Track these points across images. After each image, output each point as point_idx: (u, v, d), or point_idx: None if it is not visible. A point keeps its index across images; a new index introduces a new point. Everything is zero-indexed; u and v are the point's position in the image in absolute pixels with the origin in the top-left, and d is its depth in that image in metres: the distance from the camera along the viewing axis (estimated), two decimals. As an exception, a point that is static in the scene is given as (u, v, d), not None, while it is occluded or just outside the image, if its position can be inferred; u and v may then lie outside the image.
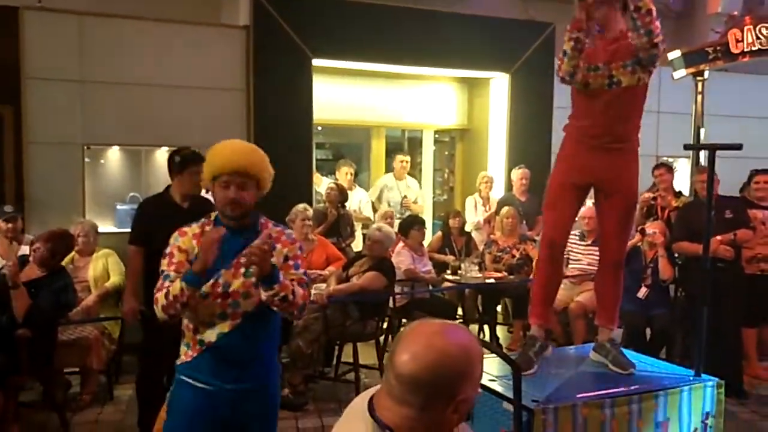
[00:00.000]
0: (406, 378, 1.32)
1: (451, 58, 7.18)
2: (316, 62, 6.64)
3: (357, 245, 6.56)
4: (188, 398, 2.47)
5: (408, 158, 7.53)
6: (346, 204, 6.53)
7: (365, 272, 5.04)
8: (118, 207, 6.22)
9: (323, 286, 5.15)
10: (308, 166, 6.70)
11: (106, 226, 6.00)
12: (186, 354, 2.49)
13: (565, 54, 2.90)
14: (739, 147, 2.87)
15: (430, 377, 1.30)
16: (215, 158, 2.44)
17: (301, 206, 5.57)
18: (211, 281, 2.39)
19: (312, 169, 6.82)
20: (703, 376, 2.93)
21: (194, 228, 2.49)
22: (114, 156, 6.46)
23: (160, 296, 2.37)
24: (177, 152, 3.99)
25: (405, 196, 7.32)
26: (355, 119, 7.94)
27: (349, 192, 6.71)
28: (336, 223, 6.25)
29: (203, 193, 3.78)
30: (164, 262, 2.45)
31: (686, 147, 3.27)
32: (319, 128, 8.55)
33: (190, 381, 2.47)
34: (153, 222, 3.78)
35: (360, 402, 1.45)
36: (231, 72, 6.47)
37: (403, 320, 5.67)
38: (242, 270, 2.41)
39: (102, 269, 5.12)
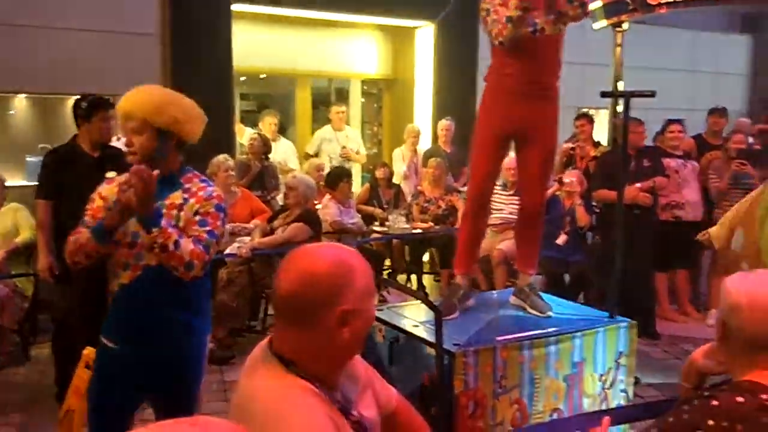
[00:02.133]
0: (280, 299, 1.37)
1: (374, 5, 7.06)
2: (236, 7, 6.38)
3: (282, 198, 6.45)
4: (104, 362, 2.39)
5: (344, 108, 7.40)
6: (269, 155, 6.38)
7: (290, 224, 4.97)
8: (28, 159, 5.89)
9: (247, 239, 5.06)
10: (229, 117, 6.50)
11: (15, 180, 5.67)
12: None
13: (509, 20, 2.76)
14: (652, 94, 2.93)
15: (300, 290, 1.34)
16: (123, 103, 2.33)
17: (221, 157, 5.40)
18: (122, 229, 2.27)
19: (233, 120, 6.62)
20: (617, 317, 3.05)
21: (122, 177, 2.33)
22: (21, 105, 6.07)
23: (70, 240, 2.29)
24: (83, 98, 3.81)
25: (344, 147, 7.21)
26: (279, 68, 7.73)
27: (273, 143, 6.56)
28: (260, 176, 6.12)
29: (114, 141, 3.61)
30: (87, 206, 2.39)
31: (603, 94, 3.31)
32: (243, 78, 8.29)
33: (106, 342, 2.39)
34: (61, 174, 3.60)
35: (262, 343, 1.45)
36: (144, 15, 6.13)
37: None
38: None
39: (11, 224, 4.84)
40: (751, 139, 6.25)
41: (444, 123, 7.07)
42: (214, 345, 4.63)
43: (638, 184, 5.28)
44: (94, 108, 3.70)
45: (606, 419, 1.87)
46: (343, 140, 7.23)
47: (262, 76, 8.68)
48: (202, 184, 2.41)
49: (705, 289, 6.17)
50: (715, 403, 1.64)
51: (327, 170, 6.45)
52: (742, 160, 5.73)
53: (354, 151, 7.22)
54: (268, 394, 1.34)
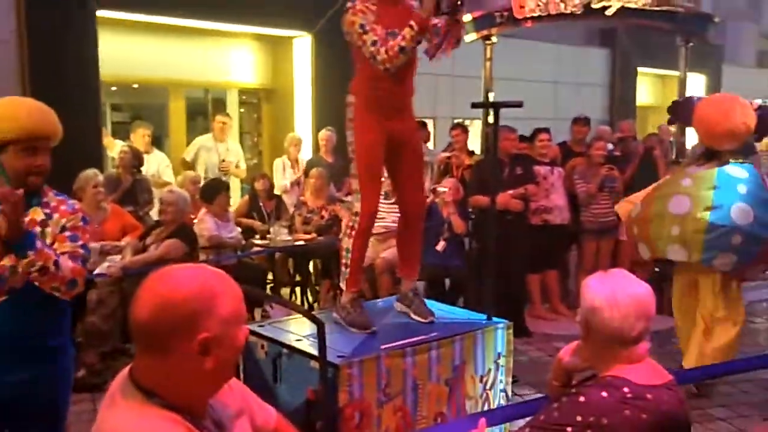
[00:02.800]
0: (135, 327, 1.27)
1: (251, 14, 6.95)
2: (102, 13, 6.06)
3: (156, 213, 6.18)
4: None
5: (228, 119, 7.16)
6: (142, 168, 6.10)
7: (164, 241, 4.76)
8: None
9: (118, 258, 4.80)
10: (97, 129, 6.15)
11: None
12: None
13: (403, 50, 2.78)
14: (519, 105, 3.07)
15: (155, 318, 1.24)
16: (8, 122, 2.17)
17: (89, 172, 5.09)
18: None
19: (101, 132, 6.27)
20: (494, 319, 3.15)
21: None
22: None
23: None
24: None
25: (223, 159, 6.99)
26: (152, 77, 7.42)
27: (146, 155, 6.28)
28: (131, 190, 5.82)
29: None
30: None
31: (473, 105, 3.45)
32: (114, 88, 7.89)
33: None
34: None
35: (123, 372, 1.37)
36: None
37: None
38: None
39: None
40: (611, 146, 6.71)
41: (324, 133, 7.07)
42: (84, 372, 4.34)
43: (510, 191, 5.53)
44: None
45: (482, 421, 1.92)
46: (223, 152, 7.03)
47: (134, 86, 8.30)
48: (60, 198, 2.35)
49: (574, 287, 6.53)
50: (581, 399, 1.73)
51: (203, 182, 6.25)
52: (610, 165, 6.16)
53: (234, 165, 7.04)
54: (127, 427, 1.25)
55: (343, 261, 3.12)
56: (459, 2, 2.83)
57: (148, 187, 6.06)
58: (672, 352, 4.80)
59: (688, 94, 6.98)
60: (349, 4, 2.88)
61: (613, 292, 1.78)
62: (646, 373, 1.77)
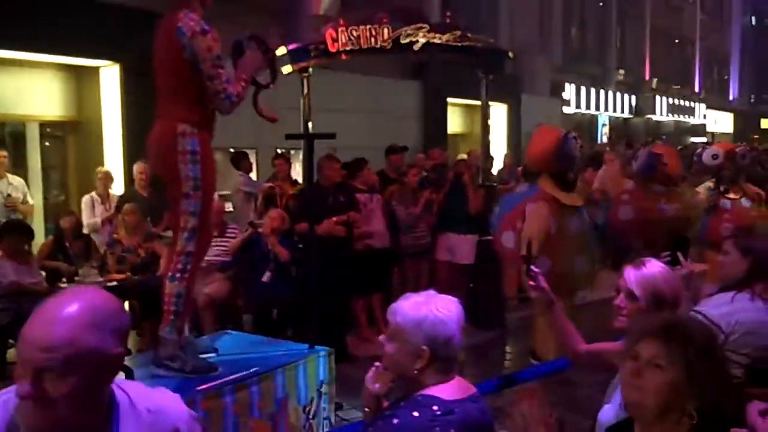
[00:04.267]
0: None
1: (53, 44, 6.50)
2: None
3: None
4: None
5: (4, 153, 6.57)
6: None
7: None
8: None
9: None
10: None
11: None
12: None
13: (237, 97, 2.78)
14: (332, 136, 3.16)
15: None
16: None
17: None
18: None
19: None
20: (316, 347, 3.17)
21: None
22: None
23: None
24: None
25: (8, 195, 6.36)
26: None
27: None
28: None
29: None
30: None
31: (288, 137, 3.46)
32: None
33: None
34: None
35: None
36: None
37: (11, 341, 4.95)
38: None
39: None
40: (424, 173, 7.08)
41: (140, 165, 6.71)
42: None
43: (334, 218, 5.62)
44: None
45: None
46: (5, 188, 6.43)
47: None
48: None
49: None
50: (395, 421, 1.78)
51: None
52: (432, 189, 6.50)
53: (20, 201, 6.46)
54: None
55: (172, 308, 2.78)
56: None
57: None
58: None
59: (491, 122, 7.57)
60: (197, 28, 2.67)
61: (412, 316, 1.86)
62: (452, 389, 1.86)
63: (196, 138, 2.76)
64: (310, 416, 3.04)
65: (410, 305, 1.88)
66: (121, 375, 2.53)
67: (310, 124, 6.66)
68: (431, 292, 1.96)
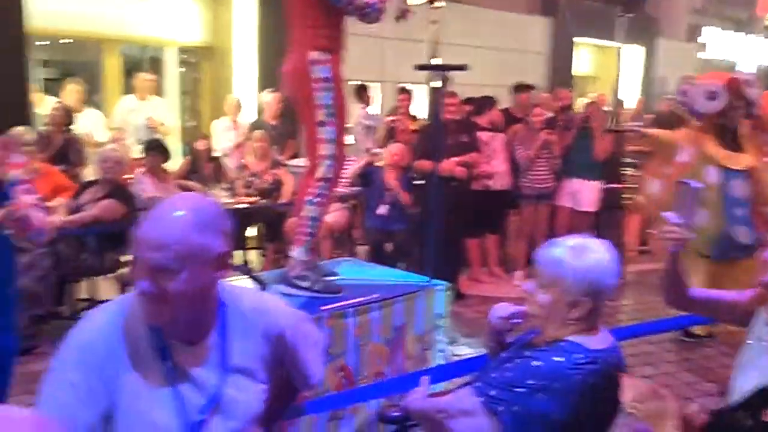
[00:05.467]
0: None
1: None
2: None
3: (90, 172, 5.96)
4: None
5: (153, 77, 6.95)
6: (72, 127, 5.86)
7: (99, 201, 4.61)
8: None
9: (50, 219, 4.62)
10: (23, 84, 5.85)
11: None
12: None
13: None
14: (463, 68, 3.08)
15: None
16: None
17: (20, 129, 4.88)
18: None
19: (28, 88, 5.97)
20: (434, 281, 3.20)
21: None
22: None
23: None
24: None
25: (149, 117, 6.78)
26: (84, 32, 7.09)
27: (78, 114, 6.03)
28: (63, 149, 5.59)
29: None
30: None
31: (418, 67, 3.40)
32: (44, 43, 7.50)
33: None
34: None
35: None
36: None
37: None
38: None
39: None
40: (550, 114, 6.81)
41: (271, 95, 6.91)
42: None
43: (455, 159, 5.56)
44: None
45: (424, 378, 1.96)
46: (148, 110, 6.82)
47: (66, 40, 7.92)
48: None
49: (511, 252, 6.68)
50: (536, 363, 1.75)
51: (130, 141, 6.05)
52: (553, 131, 6.27)
53: (159, 123, 6.83)
54: None
55: (307, 230, 2.84)
56: None
57: (81, 145, 5.84)
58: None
59: (624, 65, 7.11)
60: None
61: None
62: (597, 339, 1.80)
63: (328, 64, 2.76)
64: (426, 347, 3.10)
65: (571, 254, 1.77)
66: (250, 284, 2.71)
67: (436, 59, 6.53)
68: (585, 238, 1.85)
